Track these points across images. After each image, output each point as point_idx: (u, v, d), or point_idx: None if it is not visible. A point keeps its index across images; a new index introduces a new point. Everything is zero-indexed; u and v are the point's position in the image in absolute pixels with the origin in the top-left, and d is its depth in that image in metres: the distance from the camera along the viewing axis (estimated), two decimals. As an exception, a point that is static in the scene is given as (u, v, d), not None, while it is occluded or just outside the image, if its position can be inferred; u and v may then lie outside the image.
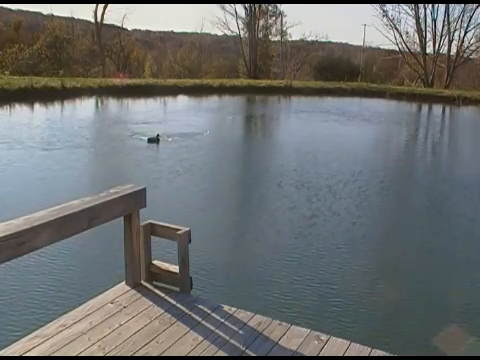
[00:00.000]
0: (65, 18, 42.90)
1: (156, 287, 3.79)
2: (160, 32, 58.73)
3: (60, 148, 13.13)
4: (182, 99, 28.06)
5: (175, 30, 61.44)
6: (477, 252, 7.21)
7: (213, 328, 3.27)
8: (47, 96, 22.87)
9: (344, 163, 12.69)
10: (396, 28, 40.61)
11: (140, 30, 57.11)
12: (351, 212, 8.71)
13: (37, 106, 21.92)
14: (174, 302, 3.58)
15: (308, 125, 20.18)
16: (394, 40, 44.32)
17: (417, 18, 39.52)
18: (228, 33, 44.34)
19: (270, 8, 44.04)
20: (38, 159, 12.07)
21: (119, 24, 42.94)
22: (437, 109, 28.88)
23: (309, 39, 46.50)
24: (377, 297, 5.62)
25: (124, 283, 3.79)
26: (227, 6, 42.48)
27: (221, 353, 3.00)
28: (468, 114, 27.52)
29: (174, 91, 28.86)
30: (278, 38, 45.70)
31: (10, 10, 47.41)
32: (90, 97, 25.52)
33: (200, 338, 3.14)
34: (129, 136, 14.50)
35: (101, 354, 2.94)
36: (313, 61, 46.27)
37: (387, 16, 40.61)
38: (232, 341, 3.13)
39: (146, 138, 14.28)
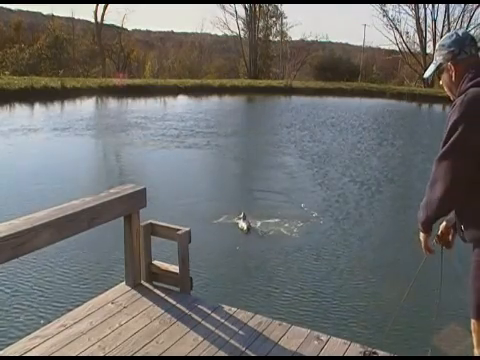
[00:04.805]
0: (65, 18, 43.03)
1: (156, 287, 3.79)
2: (160, 32, 58.95)
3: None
4: (182, 99, 28.05)
5: (175, 30, 61.67)
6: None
7: (213, 328, 3.27)
8: (47, 96, 22.86)
9: (346, 166, 12.70)
10: (396, 28, 40.79)
11: (140, 30, 57.23)
12: (352, 212, 8.72)
13: (37, 106, 21.89)
14: (174, 302, 3.58)
15: (308, 126, 20.15)
16: (394, 40, 44.51)
17: (417, 18, 39.63)
18: (228, 33, 44.54)
19: (270, 8, 44.14)
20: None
21: (119, 24, 43.04)
22: (438, 109, 28.84)
23: (309, 39, 46.63)
24: (377, 297, 5.62)
25: (124, 283, 3.79)
26: (227, 6, 42.67)
27: (221, 353, 3.00)
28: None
29: (174, 91, 28.86)
30: (278, 38, 45.75)
31: (10, 10, 47.50)
32: (90, 97, 25.50)
33: (200, 338, 3.14)
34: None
35: (101, 354, 2.94)
36: (313, 61, 46.31)
37: (387, 16, 40.82)
38: (232, 341, 3.13)
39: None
